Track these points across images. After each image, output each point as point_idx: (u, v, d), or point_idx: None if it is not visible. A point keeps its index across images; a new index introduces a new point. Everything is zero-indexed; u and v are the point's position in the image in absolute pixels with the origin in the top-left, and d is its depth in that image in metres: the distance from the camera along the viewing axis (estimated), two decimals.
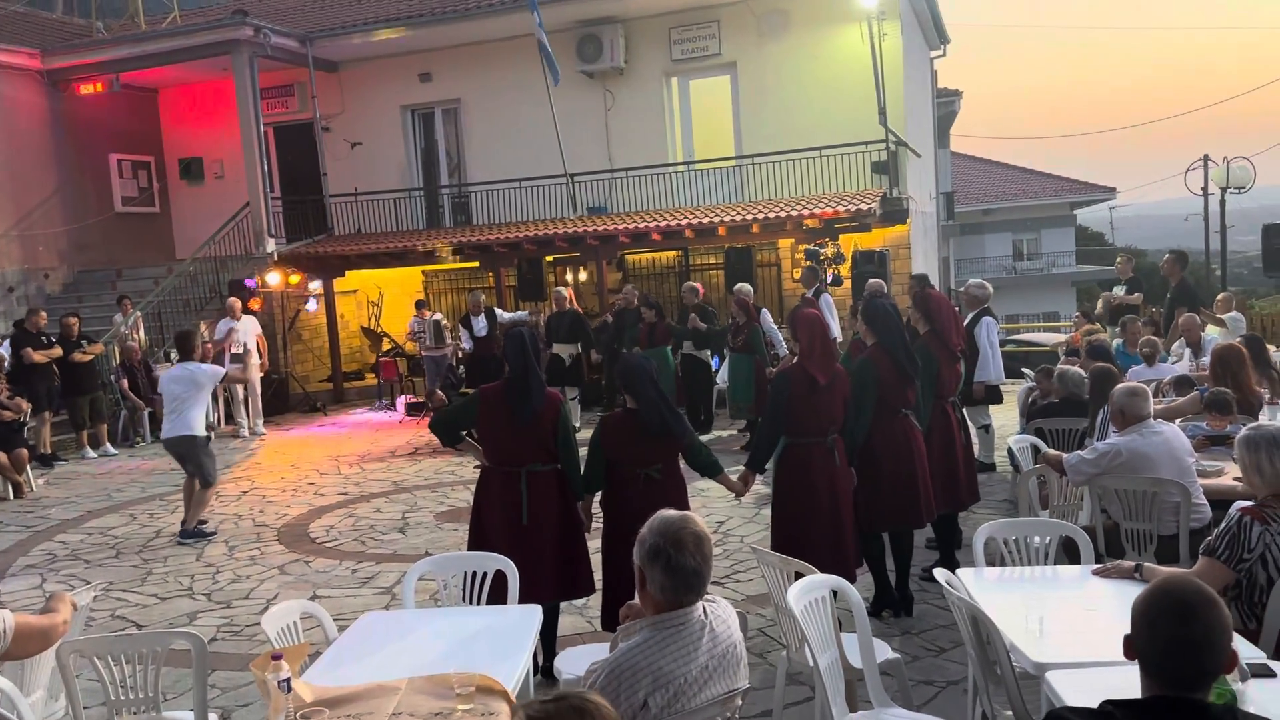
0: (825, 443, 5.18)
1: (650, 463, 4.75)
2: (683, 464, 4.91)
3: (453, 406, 5.20)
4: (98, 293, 16.45)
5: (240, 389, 13.53)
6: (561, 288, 13.34)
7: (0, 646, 3.04)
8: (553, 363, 12.45)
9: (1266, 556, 3.48)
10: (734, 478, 5.18)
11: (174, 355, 9.38)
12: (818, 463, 5.16)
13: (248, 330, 13.61)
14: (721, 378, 12.31)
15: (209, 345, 13.98)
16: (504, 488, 4.78)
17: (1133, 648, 2.21)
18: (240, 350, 13.39)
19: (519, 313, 14.51)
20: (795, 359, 5.41)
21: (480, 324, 12.98)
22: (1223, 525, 3.59)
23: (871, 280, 10.22)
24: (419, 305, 14.98)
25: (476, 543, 4.83)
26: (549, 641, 4.93)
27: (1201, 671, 2.14)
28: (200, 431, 8.17)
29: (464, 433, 4.99)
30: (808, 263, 12.65)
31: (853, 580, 5.19)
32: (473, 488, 5.03)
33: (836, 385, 5.22)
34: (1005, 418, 11.06)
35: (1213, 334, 9.65)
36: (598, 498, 4.97)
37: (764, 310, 11.56)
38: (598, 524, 5.04)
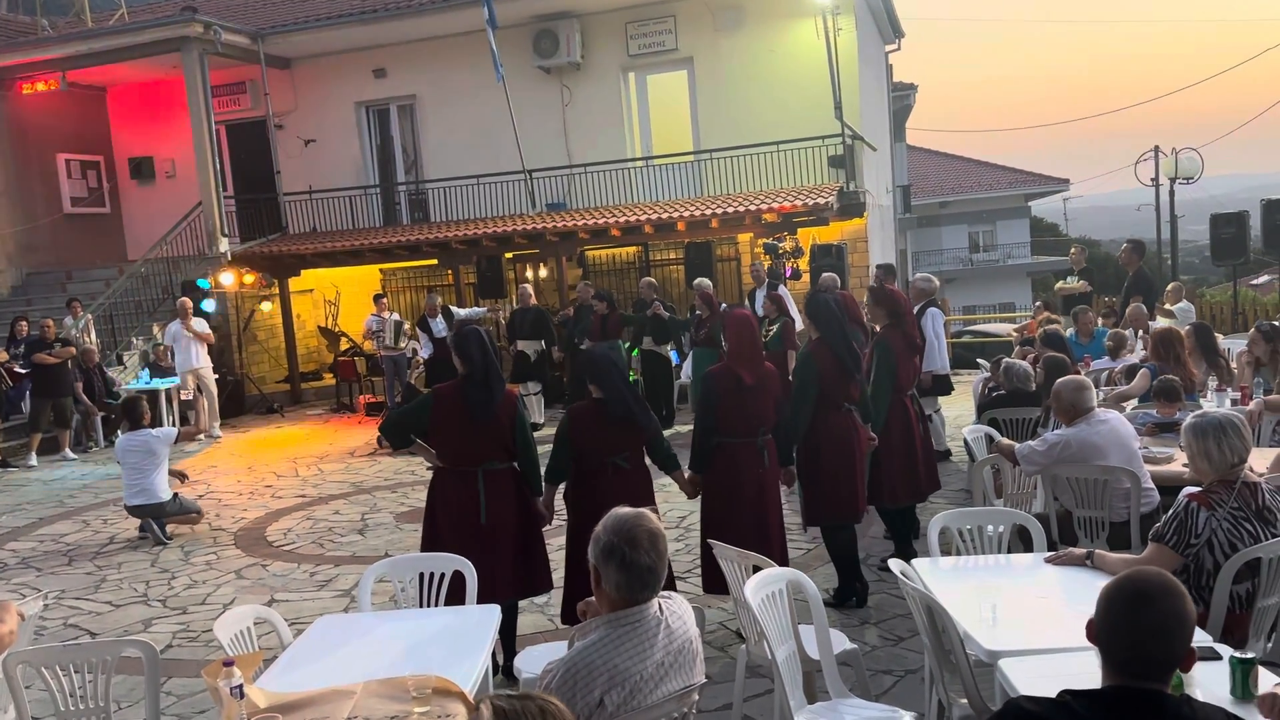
0: (755, 443, 5.16)
1: (618, 451, 4.80)
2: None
3: (405, 408, 5.15)
4: (47, 295, 16.11)
5: (195, 391, 13.32)
6: (525, 284, 13.29)
7: None
8: (518, 359, 12.43)
9: (1213, 541, 3.55)
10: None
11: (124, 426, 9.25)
12: (746, 463, 5.14)
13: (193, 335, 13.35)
14: (685, 372, 12.34)
15: (161, 349, 13.85)
16: (461, 488, 4.75)
17: (1094, 633, 2.23)
18: (190, 396, 13.23)
19: (474, 309, 14.44)
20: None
21: (439, 325, 12.91)
22: (1170, 512, 3.64)
23: (825, 275, 10.28)
24: (377, 299, 14.82)
25: (430, 545, 4.77)
26: (509, 641, 4.91)
27: (1155, 661, 2.15)
28: (165, 497, 8.15)
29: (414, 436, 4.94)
30: (766, 256, 12.69)
31: None
32: None
33: (766, 385, 5.19)
34: (961, 407, 11.19)
35: (1162, 324, 9.80)
36: (560, 491, 4.97)
37: (723, 305, 11.59)
38: (559, 520, 5.04)
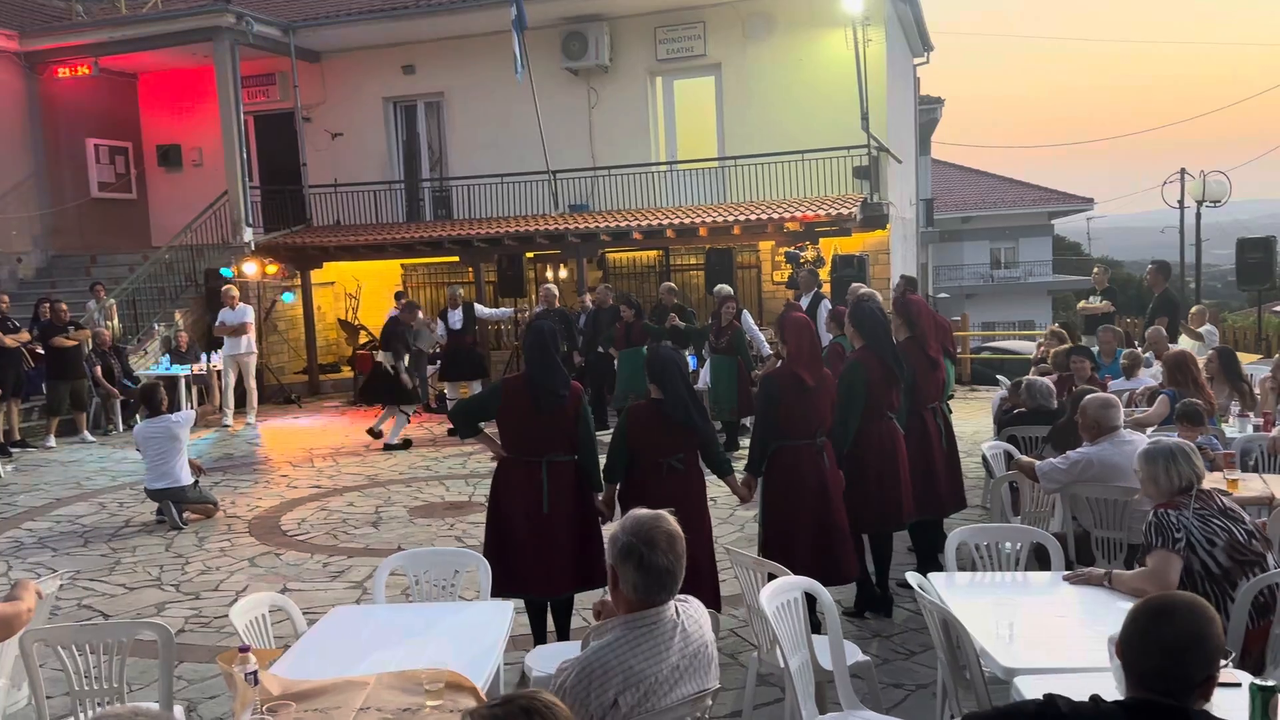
0: (814, 444, 5.19)
1: (672, 452, 4.83)
2: None
3: (474, 397, 5.23)
4: (71, 278, 16.24)
5: (234, 376, 13.39)
6: (551, 285, 13.31)
7: None
8: None
9: (1191, 541, 3.64)
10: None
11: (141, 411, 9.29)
12: (807, 464, 5.17)
13: (242, 319, 13.49)
14: (704, 379, 12.30)
15: (182, 335, 13.95)
16: (525, 477, 4.82)
17: (1120, 648, 2.28)
18: (217, 369, 13.31)
19: (498, 310, 14.48)
20: (779, 362, 5.44)
21: (455, 317, 12.94)
22: (1145, 525, 3.78)
23: (857, 285, 10.23)
24: (398, 297, 14.87)
25: (494, 534, 4.86)
26: (563, 625, 5.02)
27: (1171, 676, 2.17)
28: (186, 481, 8.22)
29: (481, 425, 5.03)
30: (788, 265, 12.63)
31: (849, 581, 5.36)
32: (447, 484, 5.06)
33: (824, 387, 5.25)
34: (979, 423, 11.15)
35: (1174, 347, 9.70)
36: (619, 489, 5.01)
37: (744, 311, 11.56)
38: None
